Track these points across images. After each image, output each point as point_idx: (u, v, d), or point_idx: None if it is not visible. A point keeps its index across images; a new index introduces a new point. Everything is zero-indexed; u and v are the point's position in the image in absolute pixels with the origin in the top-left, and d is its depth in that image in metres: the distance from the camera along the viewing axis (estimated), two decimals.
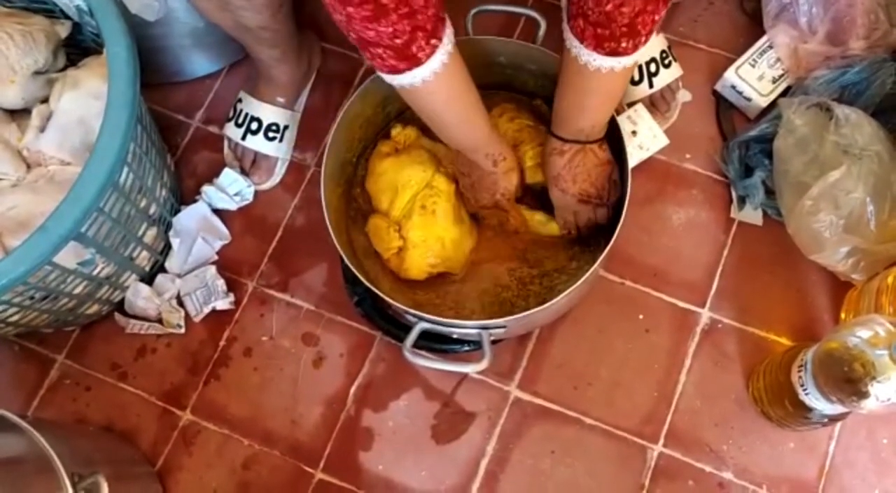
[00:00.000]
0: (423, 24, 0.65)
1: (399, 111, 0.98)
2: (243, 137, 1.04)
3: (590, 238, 0.92)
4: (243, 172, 1.06)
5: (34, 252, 0.75)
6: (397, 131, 0.95)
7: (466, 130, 0.82)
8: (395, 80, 0.71)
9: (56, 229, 0.75)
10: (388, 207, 0.91)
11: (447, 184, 0.90)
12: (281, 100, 1.04)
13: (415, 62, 0.68)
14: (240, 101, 1.05)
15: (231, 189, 1.04)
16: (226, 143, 1.08)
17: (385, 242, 0.90)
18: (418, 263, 0.89)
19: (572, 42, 0.71)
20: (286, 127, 1.06)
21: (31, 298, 0.84)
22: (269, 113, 1.04)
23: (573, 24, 0.69)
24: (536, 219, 0.92)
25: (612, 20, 0.65)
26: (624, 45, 0.68)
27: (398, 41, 0.65)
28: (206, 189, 1.04)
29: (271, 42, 0.95)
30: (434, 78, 0.70)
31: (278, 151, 1.06)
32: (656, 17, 0.66)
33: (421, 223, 0.89)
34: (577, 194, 0.85)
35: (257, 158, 1.05)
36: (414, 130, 0.95)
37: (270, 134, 1.04)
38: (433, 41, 0.67)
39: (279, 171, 1.07)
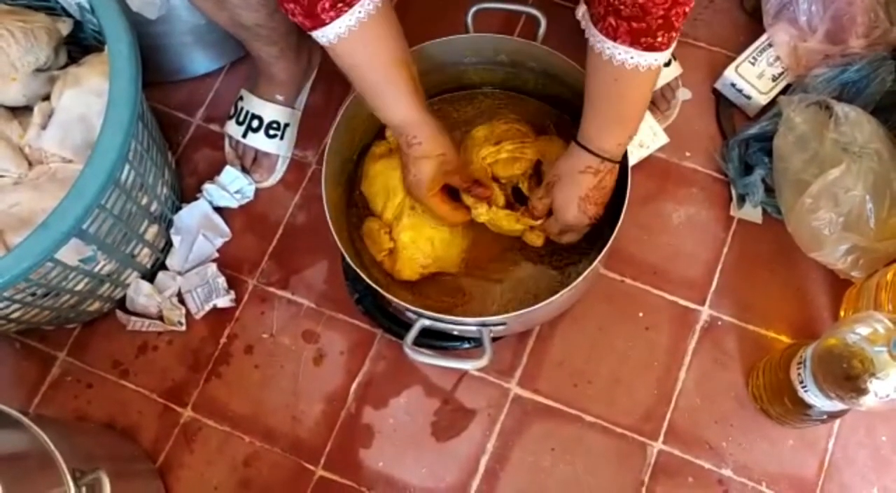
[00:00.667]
0: None
1: None
2: (244, 135, 1.04)
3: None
4: (244, 169, 1.06)
5: (36, 249, 0.75)
6: (390, 132, 0.95)
7: (382, 104, 0.80)
8: (313, 34, 0.74)
9: (58, 226, 0.75)
10: (382, 210, 0.91)
11: None
12: (280, 97, 1.05)
13: (319, 22, 0.71)
14: (241, 98, 1.05)
15: (232, 187, 1.05)
16: (227, 140, 1.08)
17: (378, 244, 0.91)
18: (409, 264, 0.90)
19: (605, 44, 0.69)
20: (287, 125, 1.06)
21: (33, 294, 0.84)
22: (269, 111, 1.04)
23: (603, 24, 0.68)
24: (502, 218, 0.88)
25: (647, 13, 0.65)
26: (660, 39, 0.67)
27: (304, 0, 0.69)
28: (207, 187, 1.04)
29: (269, 40, 0.95)
30: (338, 42, 0.73)
31: (279, 149, 1.06)
32: (687, 10, 0.66)
33: (411, 225, 0.89)
34: (592, 218, 0.83)
35: (258, 155, 1.06)
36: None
37: (271, 132, 1.05)
38: (339, 5, 0.70)
39: (280, 169, 1.07)
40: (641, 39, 0.68)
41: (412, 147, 0.81)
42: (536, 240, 0.89)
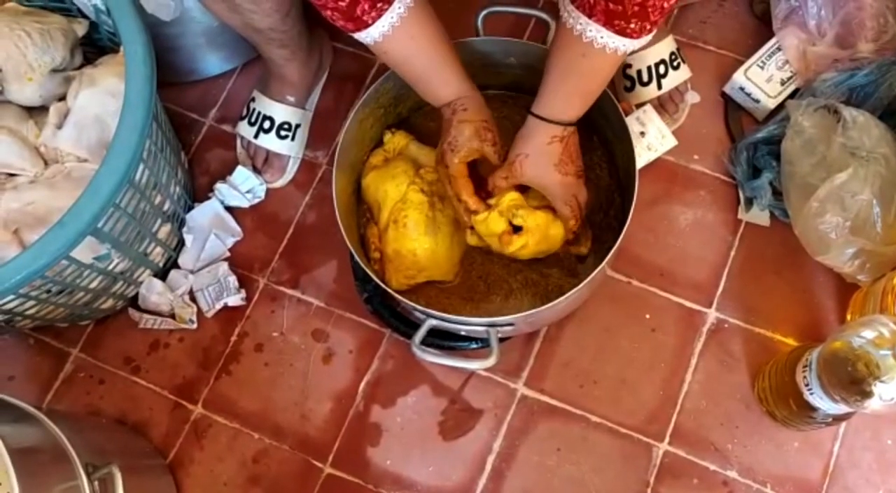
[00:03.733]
0: None
1: (410, 110, 0.99)
2: (256, 136, 1.06)
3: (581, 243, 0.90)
4: (256, 170, 1.07)
5: (52, 246, 0.76)
6: (388, 138, 0.96)
7: (435, 85, 0.82)
8: (356, 36, 0.75)
9: (74, 224, 0.77)
10: (377, 218, 0.92)
11: (419, 196, 0.89)
12: (291, 99, 1.06)
13: (361, 24, 0.73)
14: (253, 99, 1.06)
15: (243, 187, 1.06)
16: (238, 141, 1.10)
17: (369, 252, 0.92)
18: (395, 276, 0.90)
19: (578, 19, 0.70)
20: (298, 126, 1.07)
21: (48, 291, 0.86)
22: (281, 112, 1.05)
23: (581, 1, 0.69)
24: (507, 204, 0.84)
25: None
26: (633, 26, 0.68)
27: (342, 4, 0.71)
28: (219, 187, 1.05)
29: (281, 42, 0.96)
30: (384, 40, 0.75)
31: (290, 150, 1.07)
32: (665, 5, 0.66)
33: (394, 237, 0.89)
34: (576, 172, 0.83)
35: (269, 156, 1.07)
36: (404, 136, 0.95)
37: (282, 133, 1.06)
38: (380, 5, 0.72)
39: (291, 169, 1.09)
40: (615, 21, 0.68)
41: (457, 113, 0.82)
42: (578, 249, 0.90)
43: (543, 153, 0.80)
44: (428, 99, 0.84)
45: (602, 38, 0.70)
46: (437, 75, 0.81)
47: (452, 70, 0.82)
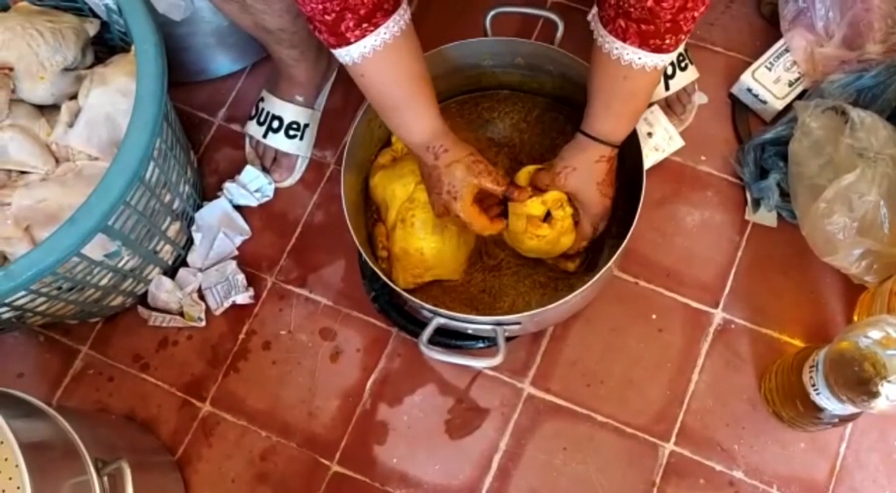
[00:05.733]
0: (355, 7, 0.69)
1: None
2: (264, 135, 1.06)
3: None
4: (264, 169, 1.08)
5: (63, 243, 0.77)
6: (396, 138, 0.96)
7: (406, 119, 0.80)
8: (335, 52, 0.75)
9: (85, 222, 0.77)
10: (385, 219, 0.93)
11: (426, 195, 0.88)
12: (300, 98, 1.06)
13: (343, 41, 0.72)
14: (262, 99, 1.07)
15: (252, 186, 1.06)
16: (247, 140, 1.10)
17: (377, 251, 0.93)
18: (402, 275, 0.91)
19: (614, 44, 0.71)
20: (306, 125, 1.07)
21: (59, 288, 0.86)
22: (289, 111, 1.06)
23: (613, 26, 0.70)
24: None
25: (656, 16, 0.67)
26: (668, 41, 0.69)
27: (328, 18, 0.70)
28: (228, 186, 1.06)
29: (290, 43, 0.97)
30: (363, 62, 0.74)
31: (299, 149, 1.07)
32: (696, 14, 0.67)
33: (402, 237, 0.90)
34: (612, 196, 0.85)
35: (278, 155, 1.07)
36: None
37: (291, 132, 1.06)
38: (365, 25, 0.71)
39: (299, 168, 1.09)
40: (650, 41, 0.69)
41: (440, 157, 0.81)
42: (570, 265, 0.91)
43: (590, 170, 0.82)
44: (399, 133, 0.83)
45: (640, 59, 0.71)
46: (410, 108, 0.79)
47: (428, 106, 0.80)
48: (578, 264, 0.92)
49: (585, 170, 0.82)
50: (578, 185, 0.82)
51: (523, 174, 0.86)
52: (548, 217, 0.86)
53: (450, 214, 0.83)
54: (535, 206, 0.84)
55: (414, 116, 0.80)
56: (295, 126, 1.06)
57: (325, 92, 1.11)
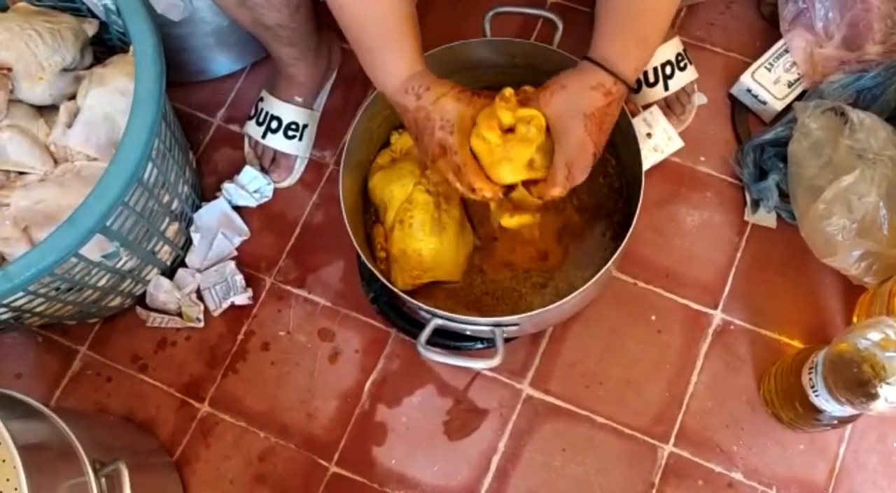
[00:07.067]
0: None
1: None
2: (263, 136, 1.06)
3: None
4: (263, 169, 1.08)
5: (61, 244, 0.77)
6: (395, 138, 0.96)
7: (388, 58, 0.74)
8: None
9: (83, 222, 0.77)
10: (383, 220, 0.93)
11: (425, 196, 0.89)
12: (299, 99, 1.06)
13: None
14: (261, 99, 1.07)
15: (251, 186, 1.06)
16: (246, 141, 1.10)
17: (375, 252, 0.93)
18: (401, 276, 0.91)
19: None
20: (305, 126, 1.07)
21: (57, 289, 0.86)
22: (288, 112, 1.06)
23: None
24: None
25: None
26: None
27: None
28: (227, 186, 1.06)
29: (289, 40, 0.97)
30: None
31: (298, 150, 1.07)
32: None
33: (400, 238, 0.89)
34: (596, 144, 0.72)
35: (277, 156, 1.07)
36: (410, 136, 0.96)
37: (290, 133, 1.06)
38: None
39: (298, 169, 1.09)
40: None
41: (423, 96, 0.73)
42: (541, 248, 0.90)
43: (580, 94, 0.71)
44: (375, 76, 0.75)
45: None
46: (392, 49, 0.72)
47: (411, 47, 0.73)
48: (551, 260, 0.90)
49: (576, 92, 0.71)
50: (563, 108, 0.71)
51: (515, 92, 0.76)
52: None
53: (446, 155, 0.74)
54: (504, 114, 0.72)
55: (395, 56, 0.73)
56: (294, 126, 1.06)
57: (325, 92, 1.11)
